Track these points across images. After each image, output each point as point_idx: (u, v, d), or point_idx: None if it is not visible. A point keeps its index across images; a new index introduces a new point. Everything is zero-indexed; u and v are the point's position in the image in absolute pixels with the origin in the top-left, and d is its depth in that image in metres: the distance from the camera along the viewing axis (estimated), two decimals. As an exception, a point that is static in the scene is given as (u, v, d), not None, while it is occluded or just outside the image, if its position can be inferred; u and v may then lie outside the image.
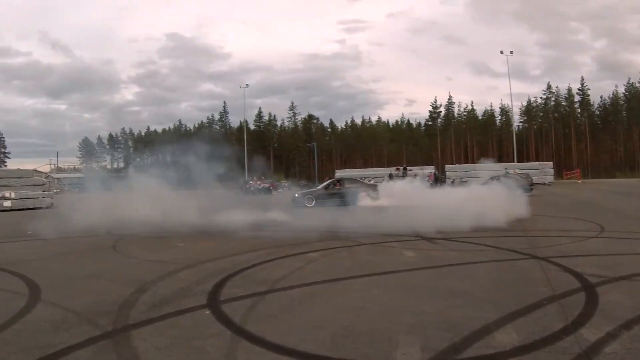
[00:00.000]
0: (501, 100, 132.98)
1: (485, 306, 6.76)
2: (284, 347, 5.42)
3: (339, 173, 70.99)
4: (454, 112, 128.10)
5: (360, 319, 6.39)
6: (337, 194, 30.28)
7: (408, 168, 66.41)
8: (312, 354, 5.21)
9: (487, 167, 54.87)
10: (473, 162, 78.39)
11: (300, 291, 8.08)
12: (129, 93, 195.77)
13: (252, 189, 50.98)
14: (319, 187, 32.91)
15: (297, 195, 31.87)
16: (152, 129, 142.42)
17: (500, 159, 66.24)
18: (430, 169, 66.55)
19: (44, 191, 40.70)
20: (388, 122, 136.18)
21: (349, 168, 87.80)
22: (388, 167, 78.53)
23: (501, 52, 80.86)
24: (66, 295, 8.28)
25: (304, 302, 7.44)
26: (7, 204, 35.26)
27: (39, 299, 8.10)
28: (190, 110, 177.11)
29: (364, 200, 29.40)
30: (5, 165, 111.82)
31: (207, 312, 7.01)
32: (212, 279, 9.08)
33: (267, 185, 54.09)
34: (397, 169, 64.20)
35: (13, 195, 35.99)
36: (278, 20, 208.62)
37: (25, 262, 11.75)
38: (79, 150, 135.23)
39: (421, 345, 5.29)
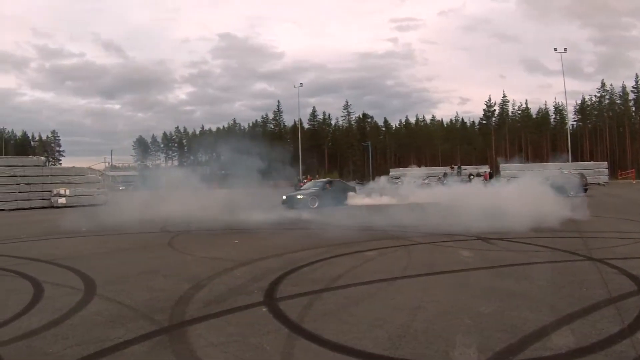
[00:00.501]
0: (555, 98, 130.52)
1: (542, 308, 6.68)
2: (342, 345, 5.42)
3: (393, 172, 70.79)
4: (508, 110, 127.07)
5: (418, 319, 6.36)
6: (333, 194, 30.55)
7: (462, 167, 65.79)
8: (370, 353, 5.19)
9: (542, 166, 53.94)
10: (527, 162, 77.02)
11: (357, 290, 8.05)
12: (182, 93, 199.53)
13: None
14: (314, 188, 31.81)
15: (290, 195, 30.01)
16: (206, 127, 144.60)
17: (554, 159, 64.94)
18: (484, 169, 65.85)
19: (98, 188, 41.54)
20: (442, 120, 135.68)
21: (403, 167, 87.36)
22: (442, 166, 77.95)
23: (555, 49, 79.09)
24: (122, 291, 8.42)
25: (361, 301, 7.41)
26: (62, 200, 36.18)
27: (94, 294, 8.26)
28: (244, 109, 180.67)
29: (353, 199, 30.62)
30: (60, 163, 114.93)
31: (264, 309, 7.03)
32: (268, 276, 9.13)
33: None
34: (452, 168, 63.72)
35: (68, 192, 36.88)
36: (330, 19, 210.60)
37: (81, 258, 12.00)
38: (133, 149, 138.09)
39: (478, 346, 5.25)
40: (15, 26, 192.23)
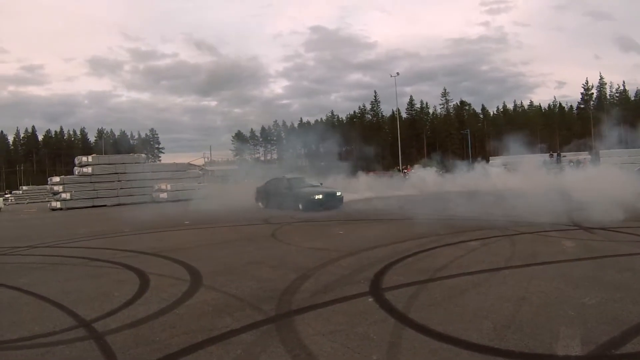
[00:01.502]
0: None
1: None
2: (448, 335, 5.51)
3: (493, 160, 69.47)
4: (606, 93, 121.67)
5: (522, 310, 6.39)
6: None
7: (562, 154, 63.73)
8: (476, 344, 5.26)
9: None
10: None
11: (462, 280, 8.11)
12: (277, 87, 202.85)
13: (407, 177, 51.69)
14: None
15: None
16: (304, 120, 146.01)
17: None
18: (584, 155, 63.58)
19: (199, 183, 42.73)
20: (540, 106, 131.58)
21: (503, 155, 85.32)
22: (541, 153, 75.66)
23: None
24: (228, 281, 8.76)
25: (465, 291, 7.47)
26: (163, 195, 37.45)
27: (200, 285, 8.66)
28: (341, 100, 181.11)
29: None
30: (160, 160, 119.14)
31: (370, 299, 7.19)
32: (373, 266, 9.30)
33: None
34: (551, 155, 61.67)
35: (169, 187, 38.16)
36: (419, 5, 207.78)
37: (185, 250, 12.57)
38: (232, 143, 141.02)
39: (581, 338, 5.25)
40: (106, 32, 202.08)
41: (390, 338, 5.53)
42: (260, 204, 27.19)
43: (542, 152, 60.20)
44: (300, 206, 23.76)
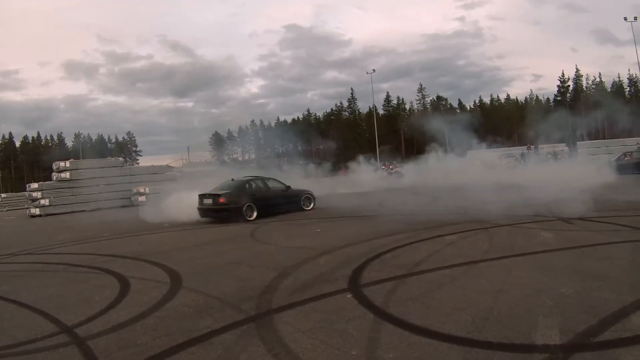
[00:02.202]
0: (629, 70, 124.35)
1: (623, 289, 6.66)
2: (426, 329, 5.56)
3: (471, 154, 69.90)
4: (582, 85, 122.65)
5: (500, 301, 6.45)
6: None
7: (539, 146, 64.30)
8: (454, 336, 5.31)
9: (620, 142, 52.00)
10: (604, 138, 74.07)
11: (440, 274, 8.18)
12: (254, 86, 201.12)
13: (386, 173, 52.15)
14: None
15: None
16: (281, 119, 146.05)
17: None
18: (562, 147, 64.24)
19: (176, 184, 42.64)
20: (517, 99, 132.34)
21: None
22: (520, 146, 76.12)
23: (625, 18, 75.17)
24: (207, 282, 8.79)
25: (443, 285, 7.53)
26: (142, 199, 37.31)
27: (180, 287, 8.66)
28: (318, 99, 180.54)
29: None
30: (138, 163, 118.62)
31: (349, 295, 7.24)
32: (351, 263, 9.35)
33: (399, 169, 54.43)
34: (529, 148, 62.18)
35: (147, 190, 38.04)
36: (394, 2, 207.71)
37: (166, 253, 12.55)
38: (210, 144, 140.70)
39: (560, 328, 5.31)
40: (81, 35, 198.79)
41: (370, 333, 5.57)
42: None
43: (519, 145, 60.61)
44: (304, 206, 22.23)
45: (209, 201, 20.09)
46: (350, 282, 7.96)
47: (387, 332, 5.58)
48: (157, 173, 43.32)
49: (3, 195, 60.60)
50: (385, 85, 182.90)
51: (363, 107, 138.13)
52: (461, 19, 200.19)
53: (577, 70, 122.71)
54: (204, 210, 20.22)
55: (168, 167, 50.63)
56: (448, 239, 11.53)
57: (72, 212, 36.42)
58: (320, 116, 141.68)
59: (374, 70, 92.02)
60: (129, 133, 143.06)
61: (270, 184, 22.36)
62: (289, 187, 22.58)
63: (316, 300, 7.04)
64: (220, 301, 7.42)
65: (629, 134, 58.44)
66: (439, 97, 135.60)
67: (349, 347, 5.21)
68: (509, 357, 4.74)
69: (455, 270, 8.33)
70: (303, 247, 11.83)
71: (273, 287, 8.00)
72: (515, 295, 6.64)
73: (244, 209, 19.42)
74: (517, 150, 63.88)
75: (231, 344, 5.57)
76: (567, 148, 63.87)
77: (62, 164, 40.46)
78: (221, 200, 19.68)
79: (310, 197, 23.05)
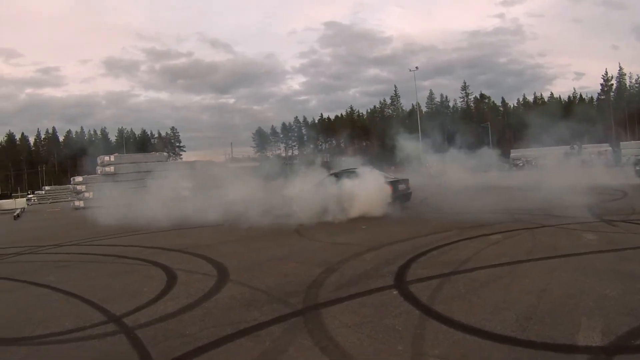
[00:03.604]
0: None
1: None
2: (471, 327, 5.68)
3: (514, 153, 69.01)
4: (625, 84, 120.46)
5: (544, 301, 6.52)
6: None
7: (583, 146, 63.34)
8: (498, 334, 5.42)
9: None
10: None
11: (485, 273, 8.26)
12: (295, 83, 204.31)
13: (431, 171, 51.97)
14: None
15: None
16: (324, 116, 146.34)
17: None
18: (605, 147, 63.25)
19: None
20: (560, 97, 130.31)
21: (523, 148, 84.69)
22: (562, 145, 74.96)
23: None
24: (254, 276, 9.00)
25: (488, 283, 7.62)
26: (186, 193, 37.72)
27: (227, 280, 8.92)
28: (359, 96, 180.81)
29: None
30: (181, 158, 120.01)
31: (395, 292, 7.37)
32: (397, 260, 9.49)
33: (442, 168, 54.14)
34: (572, 147, 61.24)
35: (191, 185, 38.45)
36: None
37: (210, 247, 12.84)
38: (253, 140, 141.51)
39: (602, 329, 5.36)
40: (120, 33, 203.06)
41: (415, 329, 5.68)
42: None
43: (563, 144, 59.65)
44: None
45: (403, 186, 20.07)
46: (396, 278, 8.09)
47: (433, 328, 5.70)
48: (202, 168, 43.79)
49: (47, 187, 61.84)
50: (426, 83, 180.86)
51: (406, 104, 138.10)
52: (501, 15, 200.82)
53: (621, 68, 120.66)
54: (402, 196, 19.81)
55: (212, 162, 51.16)
56: (493, 238, 11.57)
57: (116, 205, 37.02)
58: (364, 113, 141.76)
59: (416, 67, 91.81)
60: (172, 128, 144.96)
61: None
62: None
63: (362, 296, 7.18)
64: (267, 295, 7.61)
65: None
66: (482, 95, 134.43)
67: (395, 342, 5.34)
68: (552, 356, 4.82)
69: (500, 269, 8.40)
70: (348, 243, 11.97)
71: (319, 282, 8.17)
72: (558, 295, 6.69)
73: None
74: (560, 150, 62.99)
75: (279, 336, 5.73)
76: (610, 148, 62.99)
77: (106, 158, 41.25)
78: (408, 184, 20.52)
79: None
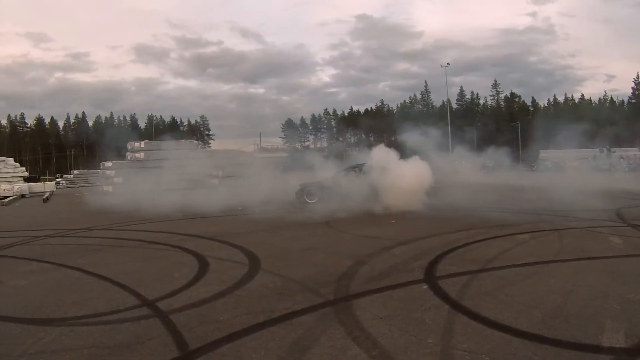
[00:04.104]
0: None
1: None
2: (499, 323, 5.83)
3: (544, 153, 68.36)
4: None
5: (569, 302, 6.64)
6: None
7: (612, 149, 62.68)
8: (525, 332, 5.55)
9: None
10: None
11: (512, 271, 8.39)
12: (325, 75, 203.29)
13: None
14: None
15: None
16: (354, 109, 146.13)
17: None
18: (634, 151, 62.56)
19: (249, 169, 43.28)
20: (591, 99, 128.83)
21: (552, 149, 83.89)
22: (592, 148, 74.14)
23: None
24: (285, 266, 9.22)
25: (515, 282, 7.75)
26: (215, 182, 38.02)
27: (258, 268, 9.13)
28: (389, 90, 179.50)
29: None
30: (210, 146, 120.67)
31: (425, 286, 7.54)
32: (426, 255, 9.67)
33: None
34: (601, 151, 60.65)
35: (220, 173, 38.75)
36: None
37: (241, 235, 13.07)
38: (282, 131, 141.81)
39: (625, 332, 5.47)
40: (150, 20, 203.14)
41: (445, 323, 5.84)
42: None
43: (592, 147, 59.13)
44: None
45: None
46: (426, 273, 8.25)
47: (462, 323, 5.85)
48: (230, 158, 44.14)
49: (75, 172, 62.62)
50: (456, 79, 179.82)
51: (436, 100, 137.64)
52: (533, 14, 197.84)
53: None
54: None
55: (240, 151, 51.49)
56: (520, 237, 11.69)
57: (145, 191, 37.40)
58: (394, 108, 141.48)
59: (448, 63, 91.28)
60: (202, 117, 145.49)
61: None
62: None
63: (393, 289, 7.35)
64: (298, 284, 7.80)
65: None
66: (512, 94, 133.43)
67: (424, 335, 5.49)
68: (576, 355, 4.94)
69: (527, 268, 8.52)
70: (378, 237, 12.12)
71: (350, 274, 8.35)
72: (584, 297, 6.80)
73: None
74: (589, 152, 62.47)
75: (311, 325, 5.91)
76: (639, 152, 62.38)
77: (136, 144, 41.65)
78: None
79: None
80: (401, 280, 7.79)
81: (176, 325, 6.02)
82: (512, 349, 5.09)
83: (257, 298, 7.13)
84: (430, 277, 8.02)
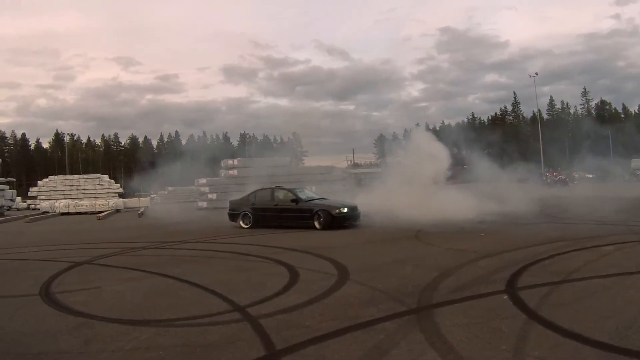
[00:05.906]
0: None
1: None
2: (572, 332, 6.04)
3: (635, 162, 66.17)
4: None
5: None
6: None
7: None
8: (597, 340, 5.75)
9: None
10: None
11: (593, 283, 8.56)
12: (414, 90, 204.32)
13: (549, 180, 51.28)
14: None
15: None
16: (445, 123, 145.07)
17: None
18: None
19: (343, 185, 43.93)
20: None
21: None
22: None
23: None
24: (372, 277, 9.64)
25: (595, 293, 7.93)
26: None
27: (347, 279, 9.61)
28: (479, 102, 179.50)
29: None
30: (303, 163, 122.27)
31: (505, 297, 7.83)
32: (509, 268, 9.91)
33: (562, 177, 53.17)
34: None
35: (314, 189, 39.47)
36: (546, 1, 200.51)
37: (331, 248, 13.62)
38: (375, 147, 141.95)
39: None
40: (236, 41, 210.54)
41: (520, 332, 6.11)
42: (241, 223, 22.02)
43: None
44: (317, 224, 19.74)
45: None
46: (507, 284, 8.51)
47: (536, 332, 6.12)
48: (324, 173, 44.95)
49: (170, 188, 64.53)
50: (545, 89, 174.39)
51: (526, 111, 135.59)
52: (616, 16, 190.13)
53: None
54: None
55: (333, 167, 52.25)
56: (605, 249, 11.73)
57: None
58: (485, 120, 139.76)
59: (536, 73, 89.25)
60: (294, 134, 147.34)
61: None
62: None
63: (474, 299, 7.69)
64: (384, 294, 8.23)
65: None
66: (602, 102, 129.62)
67: (499, 342, 5.81)
68: (645, 364, 5.13)
69: (608, 280, 8.66)
70: (465, 249, 12.46)
71: (434, 285, 8.71)
72: (662, 309, 6.90)
73: None
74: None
75: (393, 331, 6.30)
76: None
77: (230, 161, 43.00)
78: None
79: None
80: (483, 291, 8.09)
81: (265, 329, 6.53)
82: (582, 356, 5.32)
83: (344, 306, 7.58)
84: (511, 288, 8.29)
